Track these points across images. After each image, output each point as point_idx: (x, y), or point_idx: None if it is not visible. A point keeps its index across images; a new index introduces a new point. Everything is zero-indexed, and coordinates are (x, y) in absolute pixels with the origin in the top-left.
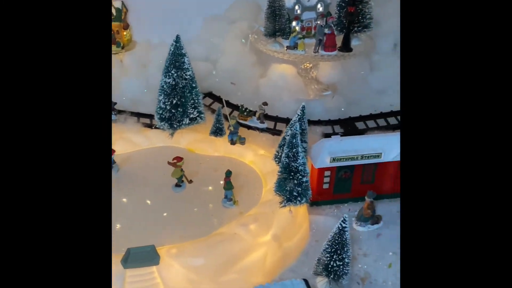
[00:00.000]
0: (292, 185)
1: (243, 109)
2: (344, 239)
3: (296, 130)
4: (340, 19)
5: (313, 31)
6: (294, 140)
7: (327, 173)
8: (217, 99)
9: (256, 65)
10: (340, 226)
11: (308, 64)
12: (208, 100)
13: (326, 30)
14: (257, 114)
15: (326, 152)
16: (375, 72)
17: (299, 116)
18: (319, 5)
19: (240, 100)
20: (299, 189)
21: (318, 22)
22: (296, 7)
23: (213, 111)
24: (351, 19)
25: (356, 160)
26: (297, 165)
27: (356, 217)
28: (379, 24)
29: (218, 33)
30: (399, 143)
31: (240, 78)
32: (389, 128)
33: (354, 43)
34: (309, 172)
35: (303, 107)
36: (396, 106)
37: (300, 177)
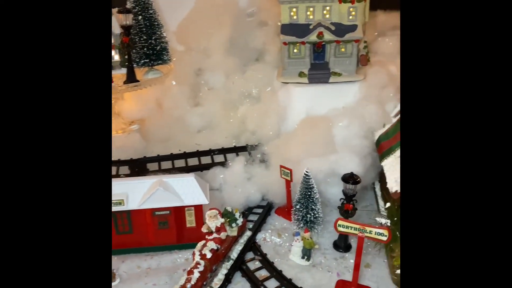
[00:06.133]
0: None
1: None
2: None
3: None
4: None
5: None
6: None
7: None
8: None
9: None
10: None
11: None
12: None
13: None
14: None
15: None
16: (196, 108)
17: None
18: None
19: None
20: None
21: None
22: None
23: None
24: (128, 50)
25: None
26: None
27: None
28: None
29: None
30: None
31: None
32: (185, 170)
33: (150, 76)
34: None
35: None
36: (202, 147)
37: None
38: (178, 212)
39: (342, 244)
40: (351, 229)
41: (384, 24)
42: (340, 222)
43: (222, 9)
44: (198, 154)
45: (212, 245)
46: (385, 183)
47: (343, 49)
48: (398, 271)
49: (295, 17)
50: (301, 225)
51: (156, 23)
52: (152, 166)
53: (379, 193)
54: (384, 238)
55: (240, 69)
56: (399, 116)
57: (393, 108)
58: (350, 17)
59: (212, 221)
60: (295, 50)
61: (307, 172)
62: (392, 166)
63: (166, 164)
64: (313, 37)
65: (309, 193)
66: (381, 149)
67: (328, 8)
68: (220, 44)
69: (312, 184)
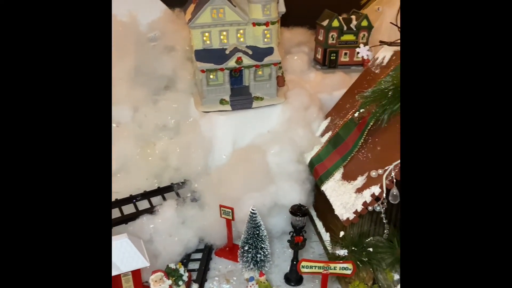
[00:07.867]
0: None
1: None
2: None
3: None
4: None
5: None
6: None
7: None
8: None
9: None
10: None
11: None
12: None
13: None
14: None
15: None
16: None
17: None
18: None
19: None
20: None
21: None
22: None
23: None
24: None
25: None
26: None
27: None
28: None
29: None
30: None
31: None
32: (120, 221)
33: None
34: None
35: None
36: (121, 194)
37: None
38: (114, 281)
39: (293, 277)
40: (315, 268)
41: (289, 41)
42: (303, 263)
43: (120, 35)
44: (118, 203)
45: None
46: (322, 205)
47: (260, 72)
48: None
49: (208, 42)
50: (251, 266)
51: None
52: None
53: (314, 213)
54: (349, 272)
55: (150, 100)
56: (327, 136)
57: (318, 128)
58: (266, 39)
59: (158, 286)
60: (211, 76)
61: (253, 210)
62: (334, 191)
63: None
64: (232, 63)
65: (257, 231)
66: (317, 172)
67: (241, 31)
68: (123, 74)
69: (259, 222)
